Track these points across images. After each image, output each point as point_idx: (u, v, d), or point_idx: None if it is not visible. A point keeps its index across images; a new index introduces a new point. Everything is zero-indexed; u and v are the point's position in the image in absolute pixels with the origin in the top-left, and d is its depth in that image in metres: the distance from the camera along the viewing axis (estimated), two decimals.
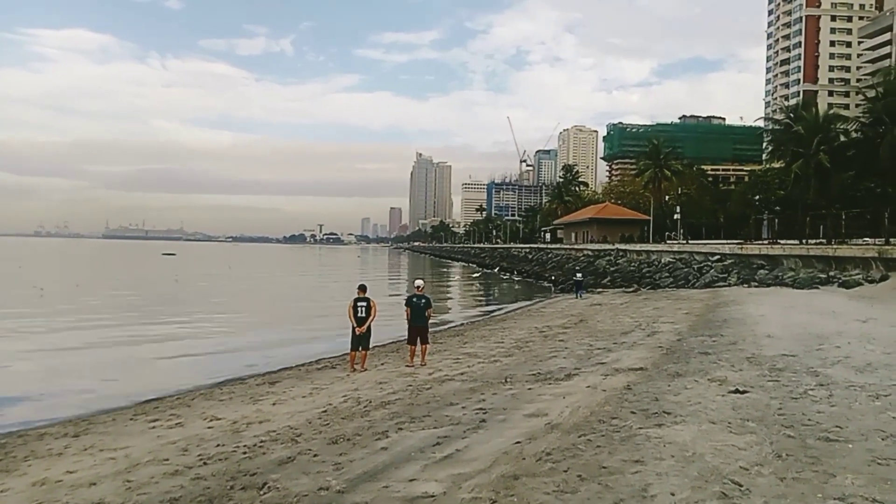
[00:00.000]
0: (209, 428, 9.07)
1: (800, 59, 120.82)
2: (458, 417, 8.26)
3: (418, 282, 14.65)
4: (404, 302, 14.10)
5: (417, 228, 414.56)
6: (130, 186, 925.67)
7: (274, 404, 10.53)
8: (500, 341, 17.24)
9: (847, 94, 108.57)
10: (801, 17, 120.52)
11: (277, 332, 23.36)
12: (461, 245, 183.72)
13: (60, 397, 12.67)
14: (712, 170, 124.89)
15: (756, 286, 29.19)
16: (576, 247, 73.81)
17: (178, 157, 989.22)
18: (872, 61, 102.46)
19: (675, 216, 63.75)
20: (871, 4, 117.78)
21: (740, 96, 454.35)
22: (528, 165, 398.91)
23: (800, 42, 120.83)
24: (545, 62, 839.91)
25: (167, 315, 27.85)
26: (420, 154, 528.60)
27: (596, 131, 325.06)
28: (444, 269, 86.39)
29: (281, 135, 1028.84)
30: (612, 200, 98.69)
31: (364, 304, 13.26)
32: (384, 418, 8.60)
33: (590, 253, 62.20)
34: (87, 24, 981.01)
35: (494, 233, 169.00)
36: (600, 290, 38.66)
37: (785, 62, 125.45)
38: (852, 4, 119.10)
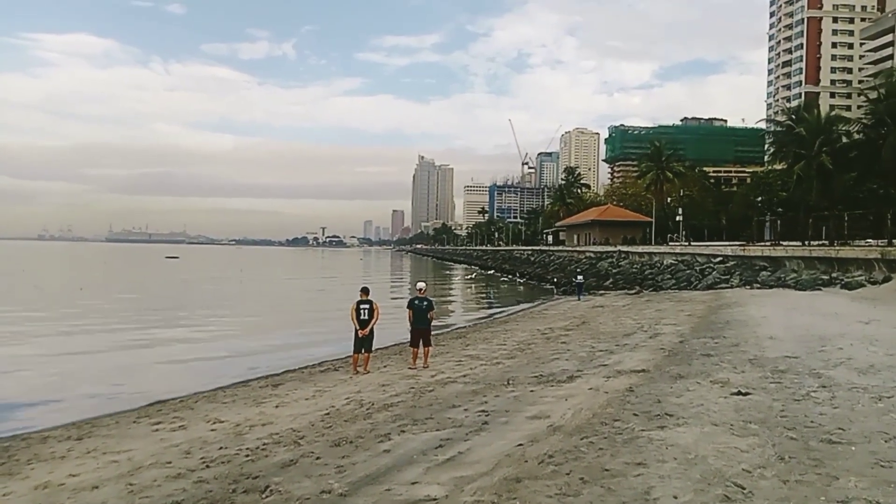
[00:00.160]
0: (212, 431, 9.07)
1: (801, 60, 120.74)
2: (460, 420, 8.25)
3: (420, 284, 14.65)
4: (406, 304, 14.09)
5: (420, 231, 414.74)
6: (133, 190, 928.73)
7: (277, 407, 10.53)
8: (503, 343, 17.23)
9: (849, 96, 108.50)
10: (802, 19, 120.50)
11: (281, 334, 23.37)
12: (463, 247, 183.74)
13: (63, 401, 12.67)
14: (714, 171, 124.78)
15: (758, 288, 29.14)
16: (578, 249, 73.77)
17: (181, 161, 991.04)
18: (874, 63, 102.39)
19: (678, 218, 63.70)
20: (873, 6, 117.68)
21: (742, 98, 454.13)
22: (529, 168, 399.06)
23: (801, 44, 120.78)
24: (546, 65, 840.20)
25: (171, 318, 27.87)
26: (422, 157, 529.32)
27: (597, 133, 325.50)
28: (447, 272, 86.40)
29: (283, 138, 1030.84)
30: (614, 202, 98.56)
31: (367, 306, 13.27)
32: (387, 421, 8.60)
33: (592, 255, 62.16)
34: (90, 28, 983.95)
35: (496, 235, 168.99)
36: (602, 291, 38.63)
37: (787, 64, 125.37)
38: (854, 6, 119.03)
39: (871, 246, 29.40)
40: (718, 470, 5.46)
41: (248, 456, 7.42)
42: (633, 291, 36.37)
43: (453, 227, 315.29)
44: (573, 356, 13.61)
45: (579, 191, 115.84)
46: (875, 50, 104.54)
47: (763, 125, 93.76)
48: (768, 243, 41.67)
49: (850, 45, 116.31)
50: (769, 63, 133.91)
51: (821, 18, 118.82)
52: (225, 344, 20.90)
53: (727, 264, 36.29)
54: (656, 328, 17.65)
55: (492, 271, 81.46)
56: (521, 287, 54.07)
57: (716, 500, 4.85)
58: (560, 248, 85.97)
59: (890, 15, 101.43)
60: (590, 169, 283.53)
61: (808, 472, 5.38)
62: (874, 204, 39.96)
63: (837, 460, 5.64)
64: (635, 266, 47.94)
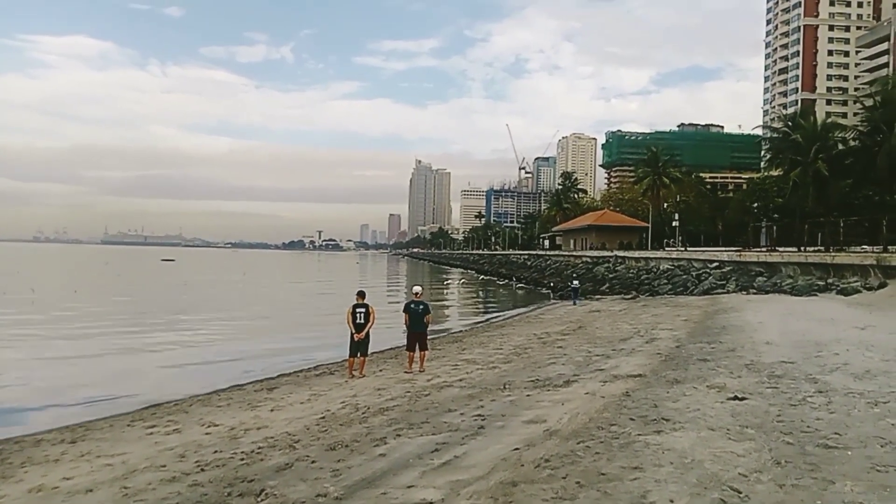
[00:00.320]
0: (207, 434, 9.04)
1: (798, 67, 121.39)
2: (456, 424, 8.24)
3: (416, 288, 14.65)
4: (403, 308, 14.08)
5: (416, 235, 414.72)
6: (129, 192, 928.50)
7: (272, 410, 10.50)
8: (499, 348, 17.22)
9: (845, 103, 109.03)
10: (799, 27, 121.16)
11: (276, 338, 23.31)
12: (460, 252, 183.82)
13: (57, 404, 12.60)
14: (710, 177, 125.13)
15: (754, 293, 29.20)
16: (574, 254, 73.85)
17: (177, 163, 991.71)
18: (870, 70, 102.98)
19: (674, 223, 63.85)
20: (869, 14, 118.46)
21: (739, 105, 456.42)
22: (526, 172, 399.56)
23: (798, 51, 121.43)
24: (544, 70, 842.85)
25: (165, 321, 27.80)
26: (419, 161, 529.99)
27: (595, 139, 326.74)
28: (443, 276, 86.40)
29: (280, 141, 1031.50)
30: (611, 207, 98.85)
31: (363, 310, 13.25)
32: (382, 425, 8.58)
33: (588, 260, 62.21)
34: (88, 30, 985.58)
35: (493, 239, 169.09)
36: (599, 296, 38.65)
37: (783, 71, 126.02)
38: (850, 14, 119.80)
39: (866, 252, 29.51)
40: (715, 474, 5.46)
41: (243, 459, 7.39)
42: (629, 296, 36.41)
43: (450, 232, 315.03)
44: (570, 361, 13.60)
45: (576, 196, 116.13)
46: (871, 58, 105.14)
47: (759, 132, 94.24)
48: (764, 249, 41.78)
49: (846, 53, 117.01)
50: (766, 70, 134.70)
51: (817, 26, 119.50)
52: (220, 347, 20.84)
53: (723, 270, 36.37)
54: (653, 333, 17.67)
55: (488, 276, 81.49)
56: (518, 292, 54.07)
57: None
58: (557, 252, 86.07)
59: (885, 23, 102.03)
60: (587, 174, 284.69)
61: (805, 476, 5.38)
62: (870, 210, 40.13)
63: (834, 465, 5.65)
64: (632, 271, 48.00)
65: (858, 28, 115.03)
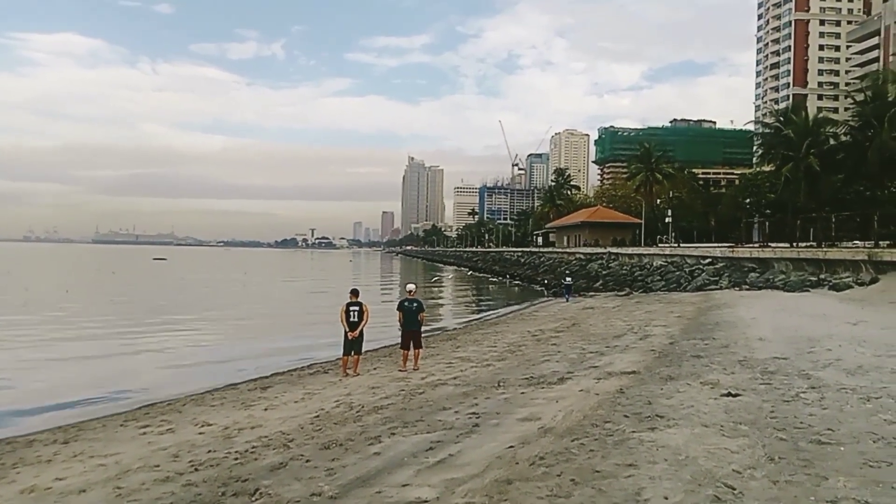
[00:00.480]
0: (200, 434, 9.02)
1: (789, 62, 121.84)
2: (451, 422, 8.25)
3: (410, 286, 14.64)
4: (396, 306, 14.07)
5: (410, 232, 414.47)
6: (121, 191, 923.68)
7: (266, 410, 10.48)
8: (493, 345, 17.24)
9: (836, 98, 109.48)
10: (790, 22, 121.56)
11: (270, 336, 23.27)
12: (453, 249, 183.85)
13: (50, 405, 12.52)
14: (703, 173, 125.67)
15: (747, 289, 29.32)
16: (568, 250, 73.97)
17: (169, 162, 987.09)
18: (861, 65, 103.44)
19: (667, 219, 64.01)
20: (859, 9, 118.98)
21: (731, 100, 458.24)
22: (519, 169, 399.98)
23: (789, 46, 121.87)
24: (536, 66, 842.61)
25: (157, 321, 27.70)
26: (412, 158, 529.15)
27: (587, 135, 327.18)
28: (437, 273, 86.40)
29: (272, 139, 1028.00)
30: (604, 204, 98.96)
31: (356, 308, 13.24)
32: (377, 423, 8.58)
33: (582, 256, 62.34)
34: (78, 28, 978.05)
35: (487, 236, 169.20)
36: (592, 293, 38.75)
37: (775, 66, 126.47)
38: (841, 9, 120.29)
39: (858, 247, 29.66)
40: (709, 471, 5.49)
41: (236, 459, 7.38)
42: (622, 293, 36.52)
43: (443, 229, 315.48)
44: (564, 358, 13.64)
45: (569, 192, 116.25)
46: (861, 52, 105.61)
47: (751, 127, 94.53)
48: (757, 245, 41.94)
49: (837, 48, 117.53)
50: (757, 65, 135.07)
51: (808, 21, 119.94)
52: (213, 346, 20.81)
53: (716, 266, 36.50)
54: (646, 330, 17.73)
55: (481, 273, 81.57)
56: (512, 289, 54.15)
57: (706, 501, 4.87)
58: (550, 249, 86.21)
59: (875, 18, 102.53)
60: (580, 170, 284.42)
61: (798, 472, 5.42)
62: (861, 206, 40.35)
63: (827, 461, 5.69)
64: (625, 268, 48.12)
65: (849, 23, 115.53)
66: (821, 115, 52.94)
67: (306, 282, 65.21)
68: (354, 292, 13.62)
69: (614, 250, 57.95)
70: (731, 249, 38.90)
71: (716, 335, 14.74)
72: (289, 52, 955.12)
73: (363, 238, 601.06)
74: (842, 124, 45.09)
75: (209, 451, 7.86)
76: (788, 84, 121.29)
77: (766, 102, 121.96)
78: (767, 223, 48.90)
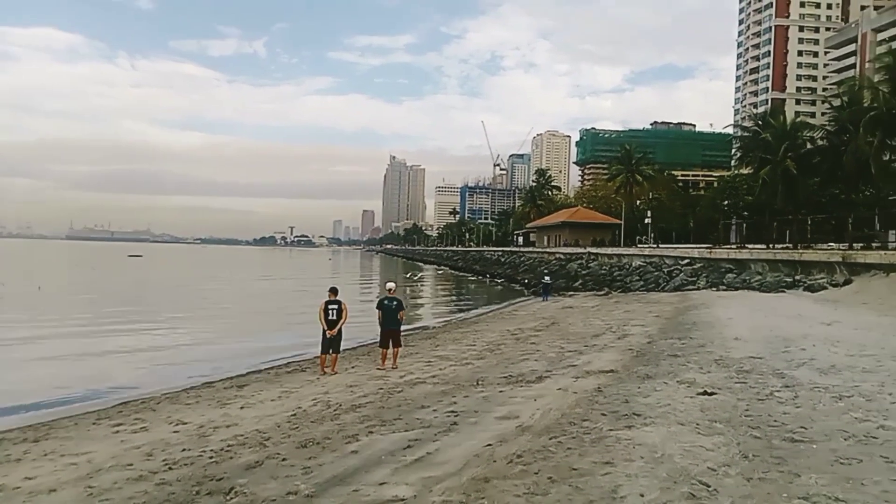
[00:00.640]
0: (175, 432, 8.91)
1: (769, 67, 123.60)
2: (429, 420, 8.24)
3: (390, 284, 14.62)
4: (376, 304, 14.03)
5: (390, 231, 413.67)
6: (96, 187, 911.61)
7: (242, 408, 10.39)
8: (472, 344, 17.26)
9: (813, 103, 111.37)
10: (770, 27, 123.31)
11: (247, 335, 23.08)
12: (434, 248, 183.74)
13: (20, 403, 12.27)
14: (682, 175, 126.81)
15: (724, 290, 29.66)
16: (548, 250, 74.30)
17: (147, 158, 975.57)
18: (838, 71, 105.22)
19: (646, 220, 64.57)
20: (838, 16, 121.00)
21: (710, 103, 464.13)
22: (501, 169, 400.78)
23: (769, 51, 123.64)
24: (519, 67, 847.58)
25: (130, 318, 27.35)
26: (393, 157, 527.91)
27: (569, 136, 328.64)
28: (418, 272, 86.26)
29: (252, 136, 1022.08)
30: (585, 204, 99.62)
31: (335, 306, 13.19)
32: (354, 422, 8.55)
33: (562, 256, 62.64)
34: (55, 22, 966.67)
35: (468, 236, 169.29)
36: (572, 293, 38.94)
37: (754, 70, 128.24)
38: (819, 15, 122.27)
39: (832, 249, 30.13)
40: (684, 468, 5.54)
41: (212, 458, 7.31)
42: (602, 293, 36.75)
43: (424, 228, 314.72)
44: (542, 357, 13.69)
45: (550, 193, 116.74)
46: (839, 59, 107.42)
47: (730, 130, 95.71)
48: (734, 246, 42.43)
49: (815, 54, 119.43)
50: (737, 69, 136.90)
51: (787, 27, 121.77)
52: (188, 345, 20.56)
53: (694, 266, 36.88)
54: (625, 329, 17.86)
55: (462, 272, 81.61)
56: (492, 288, 54.25)
57: (681, 498, 4.92)
58: (531, 249, 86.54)
59: (853, 25, 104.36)
60: (561, 171, 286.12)
61: (772, 469, 5.49)
62: (836, 209, 40.98)
63: (799, 458, 5.77)
64: (604, 268, 48.43)
65: (827, 29, 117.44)
66: (798, 119, 53.45)
67: (284, 280, 64.73)
68: (333, 290, 13.56)
69: (594, 250, 58.30)
70: (708, 250, 39.32)
71: (693, 335, 14.88)
72: (270, 49, 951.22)
73: (343, 237, 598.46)
74: (819, 129, 45.66)
75: (183, 450, 7.77)
76: (767, 88, 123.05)
77: (745, 106, 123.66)
78: (745, 225, 49.53)
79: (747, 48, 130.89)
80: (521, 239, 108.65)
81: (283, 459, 6.94)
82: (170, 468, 7.00)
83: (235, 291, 47.58)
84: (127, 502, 5.97)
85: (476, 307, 35.06)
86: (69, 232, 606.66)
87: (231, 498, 5.82)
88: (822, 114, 71.17)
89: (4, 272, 61.64)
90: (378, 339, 14.06)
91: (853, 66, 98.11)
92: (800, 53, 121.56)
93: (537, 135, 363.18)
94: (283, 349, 18.76)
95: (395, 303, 13.59)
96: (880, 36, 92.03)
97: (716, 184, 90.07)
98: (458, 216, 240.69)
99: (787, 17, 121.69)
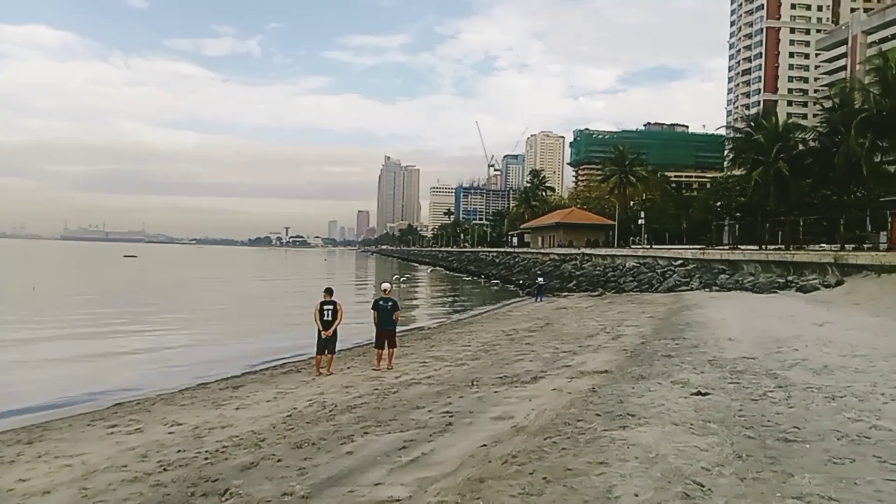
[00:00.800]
0: (170, 433, 8.87)
1: (760, 69, 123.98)
2: (424, 421, 8.23)
3: (385, 285, 14.60)
4: (371, 305, 14.02)
5: (385, 231, 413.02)
6: (91, 187, 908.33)
7: (237, 409, 10.36)
8: (467, 344, 17.26)
9: (805, 105, 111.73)
10: (761, 29, 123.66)
11: (243, 336, 23.00)
12: (429, 248, 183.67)
13: (14, 405, 12.18)
14: (675, 176, 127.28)
15: (717, 290, 29.74)
16: (542, 251, 74.37)
17: (141, 158, 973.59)
18: (829, 73, 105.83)
19: (640, 221, 64.69)
20: (828, 18, 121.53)
21: (703, 105, 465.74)
22: (495, 170, 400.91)
23: (760, 53, 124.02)
24: (513, 68, 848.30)
25: (126, 320, 27.24)
26: (388, 157, 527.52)
27: (563, 137, 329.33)
28: (412, 273, 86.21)
29: (247, 137, 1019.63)
30: (579, 205, 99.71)
31: (330, 307, 13.16)
32: (350, 422, 8.53)
33: (556, 257, 62.69)
34: (48, 20, 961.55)
35: (462, 236, 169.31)
36: (566, 293, 38.98)
37: (746, 72, 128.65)
38: (810, 17, 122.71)
39: (824, 250, 30.26)
40: (678, 468, 5.55)
41: (207, 459, 7.28)
42: (595, 293, 36.80)
43: (419, 228, 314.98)
44: (537, 357, 13.70)
45: (544, 193, 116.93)
46: (829, 60, 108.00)
47: (723, 132, 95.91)
48: (727, 247, 42.57)
49: (807, 56, 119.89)
50: (729, 71, 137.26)
51: (779, 28, 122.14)
52: (185, 345, 20.48)
53: (687, 267, 36.98)
54: (619, 330, 17.88)
55: (457, 273, 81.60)
56: (487, 288, 54.27)
57: (676, 498, 4.92)
58: (525, 250, 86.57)
59: (843, 27, 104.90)
60: (555, 172, 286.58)
61: (765, 469, 5.50)
62: (828, 210, 41.18)
63: (793, 458, 5.79)
64: (598, 268, 48.50)
65: (818, 31, 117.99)
66: (790, 120, 53.79)
67: (279, 281, 64.60)
68: (328, 291, 13.53)
69: (588, 251, 58.40)
70: (702, 251, 39.44)
71: (686, 335, 14.91)
72: (265, 49, 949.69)
73: (338, 237, 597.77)
74: (810, 130, 45.92)
75: (178, 451, 7.74)
76: (759, 90, 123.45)
77: (737, 108, 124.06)
78: (737, 226, 49.71)
79: (739, 49, 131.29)
80: (515, 240, 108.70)
81: (279, 460, 6.92)
82: (165, 469, 6.97)
83: (231, 292, 47.43)
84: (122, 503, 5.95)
85: (471, 308, 35.06)
86: (64, 232, 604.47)
87: (226, 499, 5.80)
88: (814, 115, 71.42)
89: (3, 274, 61.33)
90: (373, 340, 14.02)
91: (844, 67, 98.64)
92: (791, 55, 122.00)
93: (531, 135, 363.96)
94: (278, 350, 18.70)
95: (390, 303, 13.58)
96: (870, 38, 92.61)
97: (709, 185, 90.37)
98: (452, 217, 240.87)
99: (779, 18, 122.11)
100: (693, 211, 72.66)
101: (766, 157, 42.65)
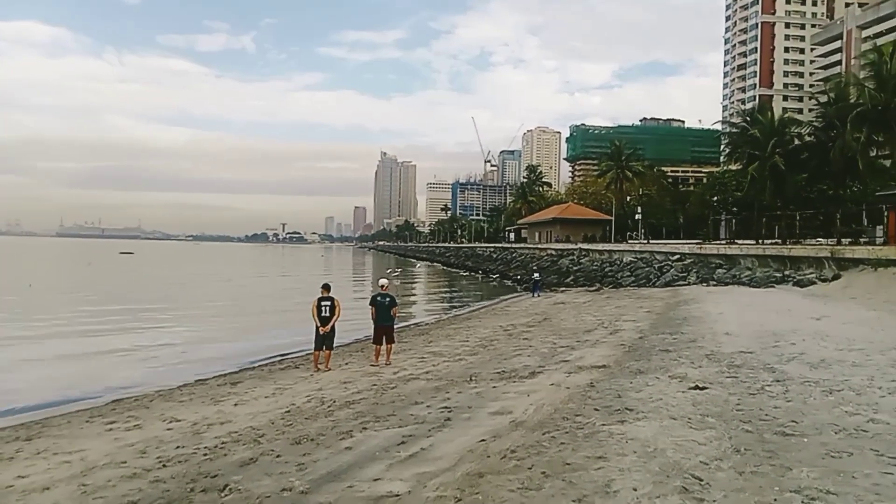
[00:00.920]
0: (168, 430, 8.86)
1: (756, 64, 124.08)
2: (422, 416, 8.24)
3: (383, 280, 14.59)
4: (369, 301, 14.02)
5: (382, 228, 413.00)
6: (85, 184, 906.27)
7: (236, 405, 10.35)
8: (465, 340, 17.27)
9: (801, 99, 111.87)
10: (756, 24, 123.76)
11: (242, 332, 22.97)
12: (426, 244, 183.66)
13: (13, 401, 12.16)
14: (672, 171, 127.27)
15: (714, 285, 29.82)
16: (539, 246, 74.43)
17: (135, 155, 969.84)
18: (824, 67, 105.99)
19: (637, 216, 64.78)
20: (823, 13, 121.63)
21: (699, 100, 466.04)
22: (492, 165, 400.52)
23: (756, 48, 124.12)
24: (509, 63, 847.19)
25: (126, 316, 27.17)
26: (384, 153, 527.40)
27: (559, 132, 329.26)
28: (410, 269, 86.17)
29: (242, 133, 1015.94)
30: (575, 201, 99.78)
31: (328, 303, 13.14)
32: (348, 418, 8.53)
33: (553, 252, 62.78)
34: (40, 16, 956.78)
35: (459, 232, 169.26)
36: (563, 288, 39.04)
37: (742, 67, 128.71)
38: (805, 12, 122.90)
39: (821, 245, 30.35)
40: (677, 462, 5.56)
41: (206, 455, 7.27)
42: (593, 288, 36.86)
43: (416, 224, 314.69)
44: (535, 352, 13.71)
45: (541, 189, 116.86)
46: (825, 55, 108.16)
47: (719, 126, 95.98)
48: (724, 242, 42.65)
49: (802, 50, 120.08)
50: (725, 66, 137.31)
51: (774, 24, 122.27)
52: (183, 342, 20.44)
53: (684, 262, 37.07)
54: (616, 325, 17.91)
55: (454, 269, 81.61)
56: (484, 284, 54.29)
57: (674, 492, 4.93)
58: (522, 245, 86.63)
59: (838, 22, 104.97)
60: (551, 167, 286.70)
61: (763, 463, 5.52)
62: (824, 204, 41.26)
63: (791, 452, 5.80)
64: (595, 263, 48.59)
65: (813, 26, 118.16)
66: (786, 115, 53.92)
67: (277, 277, 64.54)
68: (326, 287, 13.50)
69: (585, 246, 58.48)
70: (699, 246, 39.52)
71: (684, 330, 14.95)
72: (259, 45, 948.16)
73: (335, 233, 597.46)
74: (806, 125, 46.00)
75: (177, 447, 7.73)
76: (755, 85, 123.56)
77: (733, 102, 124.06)
78: (734, 220, 49.72)
79: (734, 45, 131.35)
80: (512, 235, 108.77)
81: (278, 456, 6.91)
82: (164, 465, 6.96)
83: (227, 289, 47.36)
84: (121, 500, 5.93)
85: (468, 303, 35.08)
86: (59, 229, 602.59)
87: (226, 495, 5.80)
88: (810, 110, 71.53)
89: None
90: (371, 336, 14.02)
91: (839, 62, 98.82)
92: (786, 50, 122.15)
93: (527, 131, 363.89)
94: (276, 347, 18.67)
95: (388, 299, 13.58)
96: (865, 33, 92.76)
97: (705, 180, 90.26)
98: (449, 212, 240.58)
99: (774, 13, 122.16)
100: (690, 206, 72.70)
101: (762, 151, 42.70)
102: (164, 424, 9.22)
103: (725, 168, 73.00)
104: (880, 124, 36.27)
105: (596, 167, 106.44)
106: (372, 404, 9.38)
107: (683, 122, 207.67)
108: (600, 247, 56.33)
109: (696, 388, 8.53)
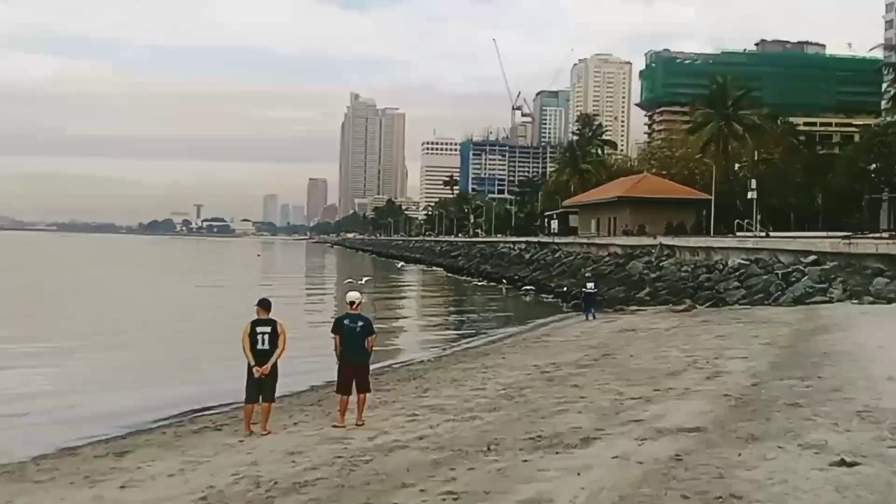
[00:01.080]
0: None
1: None
2: None
3: (352, 294, 14.56)
4: (332, 326, 13.97)
5: (352, 212, 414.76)
6: None
7: (122, 488, 10.38)
8: (481, 387, 17.32)
9: None
10: None
11: (131, 372, 23.06)
12: (420, 238, 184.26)
13: None
14: (806, 124, 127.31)
15: (871, 303, 29.77)
16: (597, 241, 74.57)
17: None
18: None
19: (750, 195, 64.67)
20: None
21: (848, 15, 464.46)
22: (524, 115, 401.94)
23: None
24: None
25: None
26: (356, 96, 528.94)
27: (629, 63, 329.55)
28: (394, 275, 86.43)
29: (135, 65, 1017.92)
30: (654, 170, 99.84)
31: (267, 328, 13.10)
32: None
33: (618, 251, 62.89)
34: None
35: (472, 219, 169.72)
36: (634, 307, 39.05)
37: None
38: None
39: None
40: None
41: None
42: (681, 307, 36.86)
43: (405, 207, 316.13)
44: (589, 407, 13.73)
45: (600, 151, 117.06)
46: None
47: (880, 54, 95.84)
48: (886, 234, 42.59)
49: None
50: None
51: None
52: (42, 386, 20.54)
53: (824, 266, 37.01)
54: (717, 364, 17.92)
55: (465, 275, 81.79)
56: (511, 299, 54.36)
57: None
58: (570, 239, 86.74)
59: None
60: (616, 118, 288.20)
61: None
62: None
63: None
64: (685, 268, 48.62)
65: None
66: None
67: (187, 287, 64.74)
68: (264, 304, 13.50)
69: (668, 241, 58.49)
70: (847, 241, 39.44)
71: (822, 373, 14.93)
72: None
73: (279, 220, 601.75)
74: None
75: None
76: None
77: None
78: None
79: None
80: (555, 224, 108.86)
81: None
82: None
83: (113, 306, 47.53)
84: None
85: (485, 330, 35.10)
86: None
87: None
88: None
89: None
90: (334, 381, 14.03)
91: None
92: None
93: (580, 60, 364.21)
94: (186, 396, 18.74)
95: (360, 323, 13.54)
96: None
97: (858, 137, 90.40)
98: (457, 188, 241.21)
99: None
100: (833, 178, 72.70)
101: None
102: None
103: (889, 119, 73.03)
104: None
105: (686, 118, 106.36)
106: (334, 488, 9.39)
107: (824, 46, 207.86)
108: (692, 242, 56.34)
109: (843, 463, 8.52)
